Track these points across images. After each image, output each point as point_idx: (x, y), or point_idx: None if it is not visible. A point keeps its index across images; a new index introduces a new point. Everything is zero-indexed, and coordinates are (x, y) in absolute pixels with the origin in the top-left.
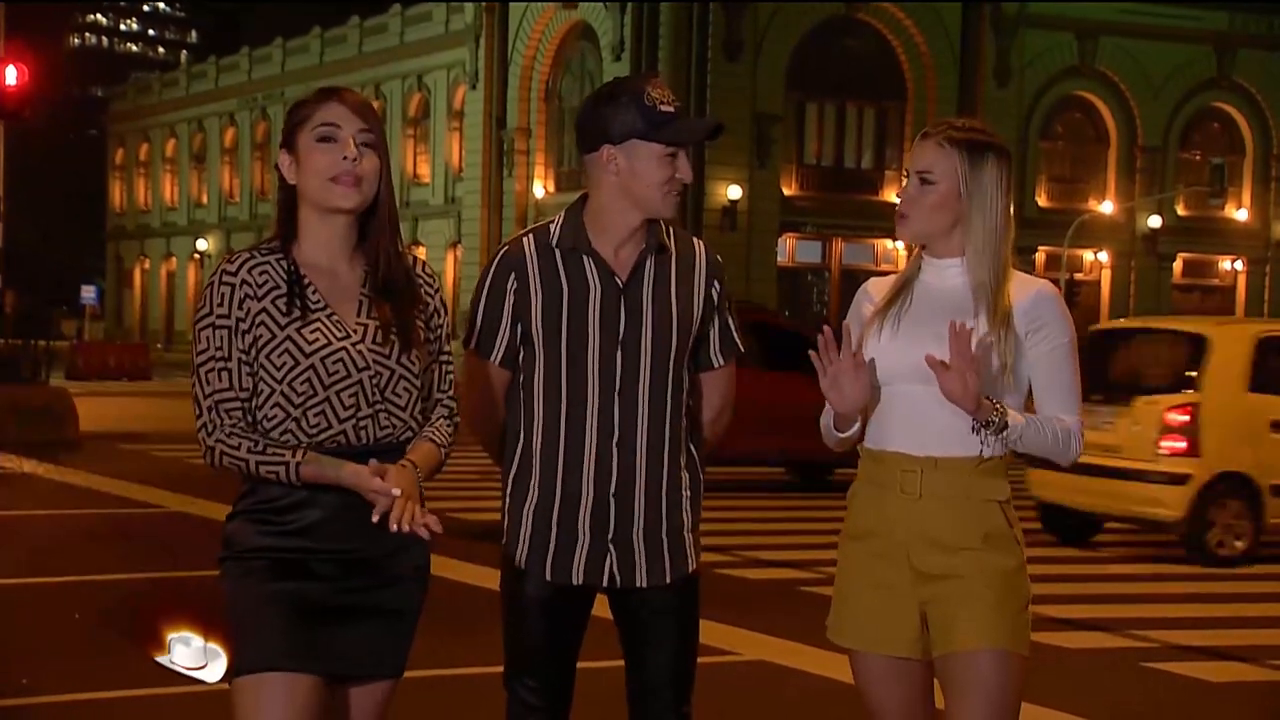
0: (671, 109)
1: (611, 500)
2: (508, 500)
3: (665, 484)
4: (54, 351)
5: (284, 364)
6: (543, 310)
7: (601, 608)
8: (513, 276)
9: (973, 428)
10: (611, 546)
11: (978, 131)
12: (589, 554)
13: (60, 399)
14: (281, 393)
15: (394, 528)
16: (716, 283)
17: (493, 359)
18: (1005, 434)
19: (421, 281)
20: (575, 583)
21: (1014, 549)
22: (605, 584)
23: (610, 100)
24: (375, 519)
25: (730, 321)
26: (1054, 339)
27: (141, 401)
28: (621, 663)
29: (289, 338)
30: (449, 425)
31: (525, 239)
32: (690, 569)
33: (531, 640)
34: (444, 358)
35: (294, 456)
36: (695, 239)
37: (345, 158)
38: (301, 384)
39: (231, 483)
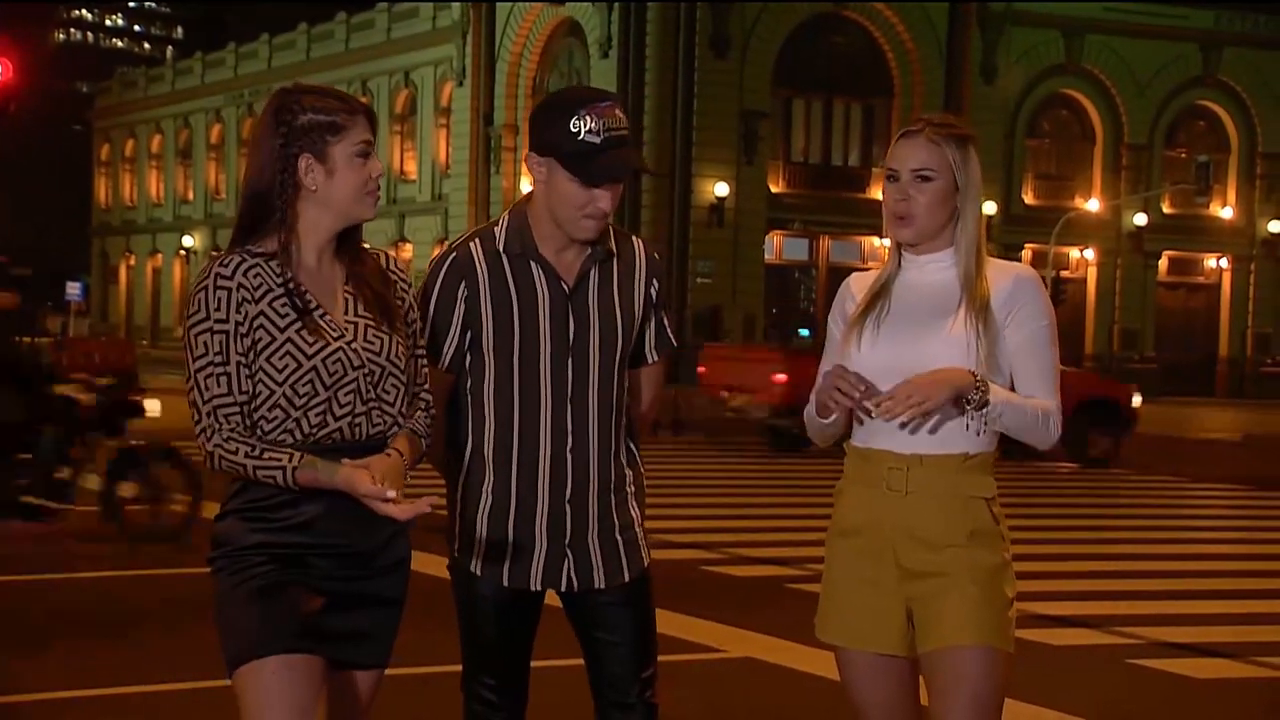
0: (598, 140)
1: (567, 506)
2: (458, 506)
3: (614, 485)
4: (39, 348)
5: (286, 366)
6: (494, 319)
7: (553, 599)
8: (463, 284)
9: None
10: (569, 551)
11: (956, 125)
12: (546, 559)
13: None
14: (284, 394)
15: (401, 517)
16: (655, 281)
17: (439, 364)
18: (986, 411)
19: (396, 277)
20: (534, 589)
21: (999, 546)
22: (564, 589)
23: (551, 108)
24: (400, 516)
25: (665, 319)
26: (1033, 322)
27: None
28: (575, 661)
29: (290, 340)
30: (426, 417)
31: (472, 244)
32: (645, 564)
33: (488, 643)
34: (419, 351)
35: (290, 462)
36: (634, 238)
37: (375, 175)
38: (304, 386)
39: (219, 480)
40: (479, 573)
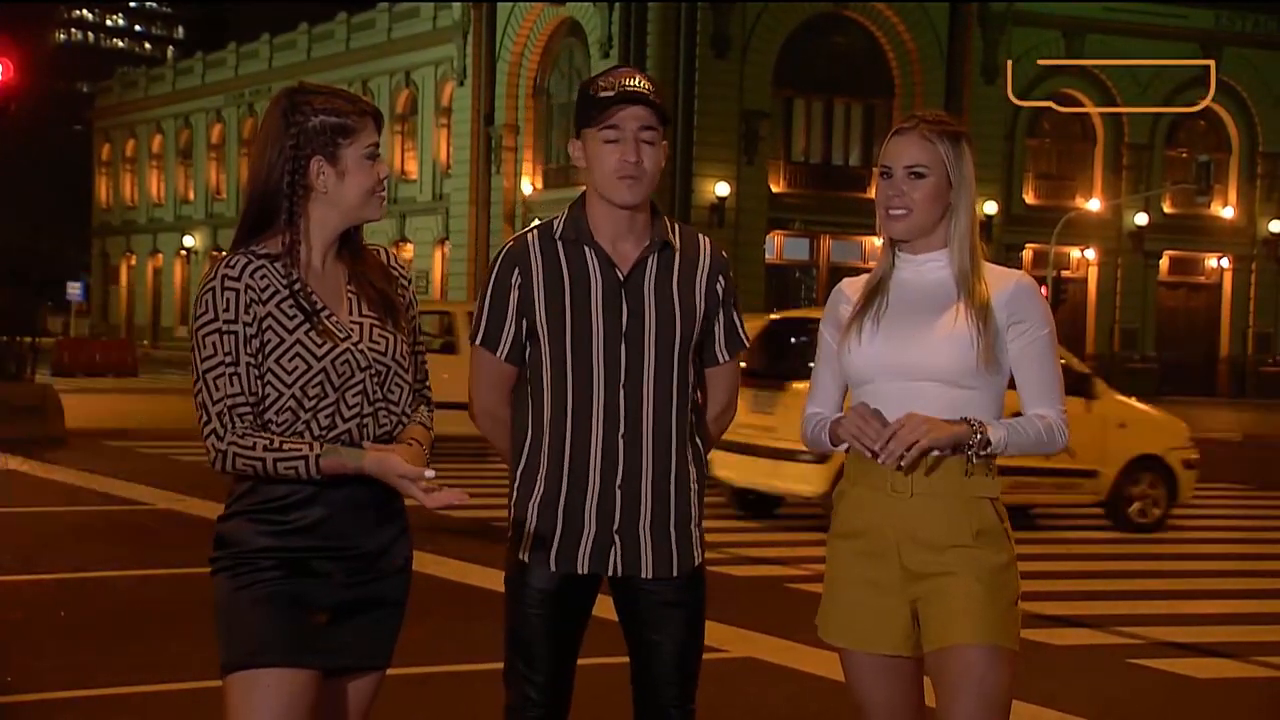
0: (612, 93)
1: (618, 491)
2: (515, 495)
3: (673, 477)
4: (40, 348)
5: (296, 368)
6: (546, 302)
7: (601, 607)
8: (516, 271)
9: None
10: (617, 537)
11: (949, 122)
12: (594, 543)
13: (46, 395)
14: (293, 396)
15: (431, 505)
16: (721, 279)
17: (499, 354)
18: (990, 450)
19: (397, 273)
20: (580, 571)
21: (1005, 545)
22: (610, 573)
23: (578, 97)
24: (430, 504)
25: (736, 317)
26: (1034, 331)
27: (127, 398)
28: (617, 660)
29: (299, 341)
30: (429, 411)
31: (530, 234)
32: (696, 562)
33: (534, 635)
34: (419, 348)
35: (312, 450)
36: (701, 235)
37: (383, 176)
38: (314, 387)
39: (220, 480)
40: (528, 560)
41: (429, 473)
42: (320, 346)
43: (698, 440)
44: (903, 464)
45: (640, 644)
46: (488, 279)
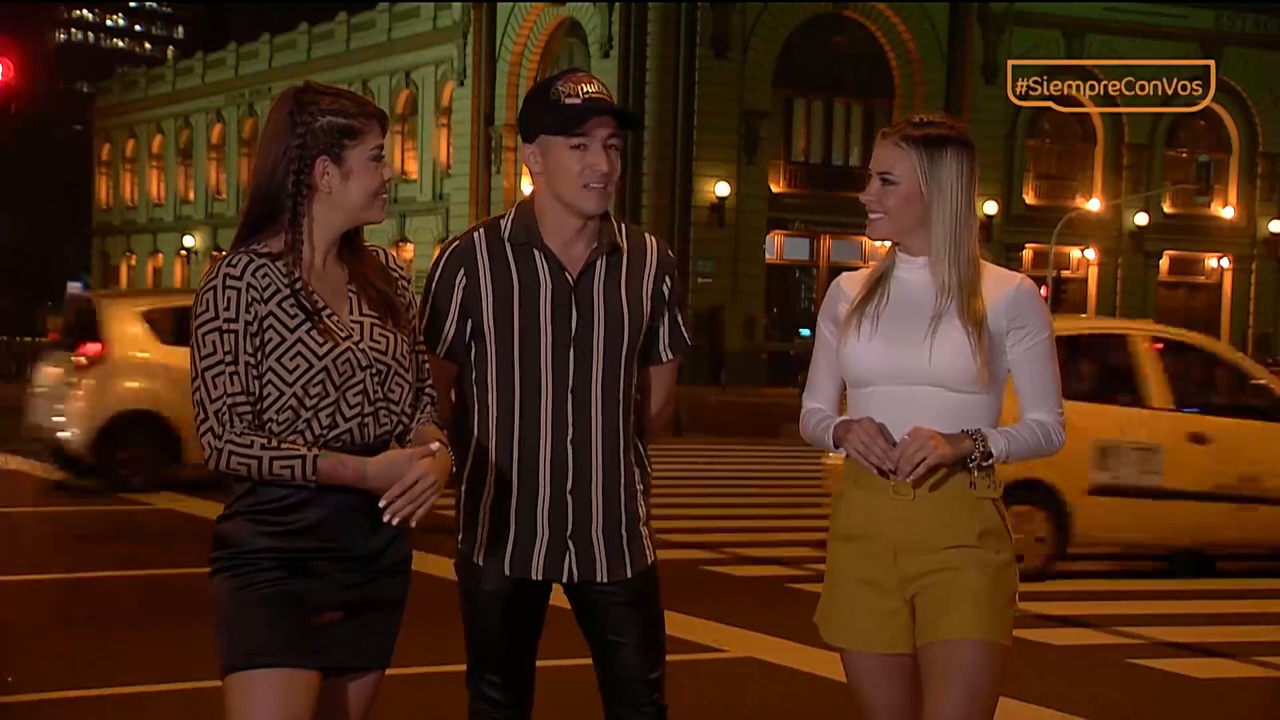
0: (578, 99)
1: (569, 497)
2: (463, 497)
3: (622, 480)
4: (40, 348)
5: (297, 367)
6: (494, 303)
7: (558, 599)
8: (462, 271)
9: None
10: (570, 542)
11: (936, 126)
12: (548, 549)
13: None
14: (294, 395)
15: (388, 518)
16: (668, 278)
17: (438, 352)
18: (992, 460)
19: (397, 274)
20: (535, 578)
21: (1007, 544)
22: (565, 580)
23: (529, 100)
24: (382, 503)
25: (679, 317)
26: (1034, 335)
27: None
28: (582, 661)
29: (300, 340)
30: (434, 410)
31: (476, 233)
32: (649, 561)
33: (492, 637)
34: (419, 348)
35: (310, 451)
36: (648, 235)
37: (387, 179)
38: (315, 386)
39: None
40: (482, 563)
41: (433, 445)
42: (321, 346)
43: (638, 441)
44: (911, 479)
45: (603, 646)
46: (431, 277)
